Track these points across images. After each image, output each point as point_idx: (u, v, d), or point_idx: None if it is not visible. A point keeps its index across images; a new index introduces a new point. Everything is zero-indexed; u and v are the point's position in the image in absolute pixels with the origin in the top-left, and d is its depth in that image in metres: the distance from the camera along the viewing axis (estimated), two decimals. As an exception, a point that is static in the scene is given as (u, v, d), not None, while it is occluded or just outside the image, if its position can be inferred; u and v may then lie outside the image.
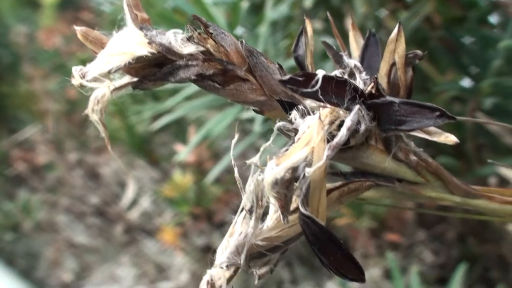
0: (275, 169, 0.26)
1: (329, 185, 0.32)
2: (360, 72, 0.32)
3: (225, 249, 0.32)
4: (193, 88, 0.86)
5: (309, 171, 0.27)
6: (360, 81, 0.32)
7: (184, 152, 0.89)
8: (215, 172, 0.96)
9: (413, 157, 0.34)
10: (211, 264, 0.32)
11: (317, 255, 0.28)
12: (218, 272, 0.32)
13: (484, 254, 0.99)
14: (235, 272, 0.33)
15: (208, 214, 1.21)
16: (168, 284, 1.27)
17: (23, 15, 2.14)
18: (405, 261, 1.03)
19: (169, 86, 0.93)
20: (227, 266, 0.32)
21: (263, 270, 0.33)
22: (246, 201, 0.31)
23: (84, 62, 1.03)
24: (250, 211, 0.32)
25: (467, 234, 0.96)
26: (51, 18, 2.01)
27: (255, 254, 0.32)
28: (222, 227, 1.26)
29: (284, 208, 0.28)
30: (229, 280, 0.33)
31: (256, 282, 0.34)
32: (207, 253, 1.30)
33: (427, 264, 1.01)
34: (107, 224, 1.50)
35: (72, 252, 1.59)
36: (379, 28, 0.88)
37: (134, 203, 1.43)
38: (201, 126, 1.07)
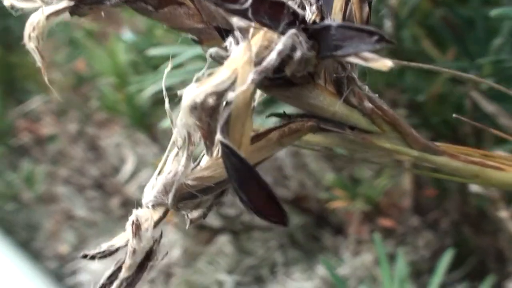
0: (195, 91, 0.24)
1: (269, 126, 0.30)
2: (311, 5, 0.29)
3: (152, 188, 0.30)
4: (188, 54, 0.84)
5: (232, 95, 0.24)
6: (310, 13, 0.29)
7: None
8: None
9: (367, 104, 0.31)
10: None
11: (237, 193, 0.25)
12: (145, 212, 0.30)
13: (480, 245, 0.96)
14: (164, 214, 0.30)
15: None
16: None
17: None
18: (398, 249, 1.00)
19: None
20: (153, 206, 0.29)
21: (195, 214, 0.31)
22: (177, 136, 0.29)
23: (90, 34, 1.01)
24: (181, 148, 0.29)
25: (462, 223, 0.94)
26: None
27: (185, 195, 0.29)
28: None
29: (207, 138, 0.26)
30: (156, 222, 0.30)
31: (187, 226, 0.31)
32: (200, 230, 1.28)
33: (419, 253, 0.99)
34: (105, 197, 1.48)
35: (71, 225, 1.58)
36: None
37: (132, 176, 1.41)
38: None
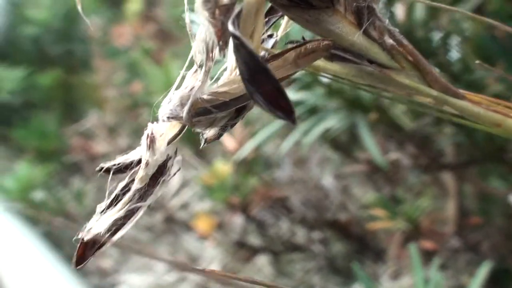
0: (208, -16, 0.25)
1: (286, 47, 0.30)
2: None
3: (169, 101, 0.30)
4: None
5: (244, -10, 0.25)
6: None
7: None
8: (250, 145, 0.95)
9: (388, 39, 0.32)
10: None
11: (246, 87, 0.26)
12: (160, 127, 0.31)
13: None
14: (180, 131, 0.31)
15: (243, 206, 1.19)
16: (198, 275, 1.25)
17: (104, 13, 2.20)
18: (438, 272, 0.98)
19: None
20: (168, 118, 0.30)
21: (209, 132, 0.32)
22: (196, 51, 0.30)
23: (147, 52, 1.04)
24: (200, 65, 0.30)
25: (505, 247, 0.91)
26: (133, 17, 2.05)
27: (200, 110, 0.30)
28: (257, 222, 1.24)
29: (221, 38, 0.26)
30: (171, 139, 0.31)
31: (201, 145, 0.32)
32: (240, 248, 1.28)
33: (459, 277, 0.96)
34: (150, 213, 1.50)
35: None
36: None
37: (177, 193, 1.43)
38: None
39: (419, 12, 0.86)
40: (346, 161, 1.13)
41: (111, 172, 0.31)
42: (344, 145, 1.15)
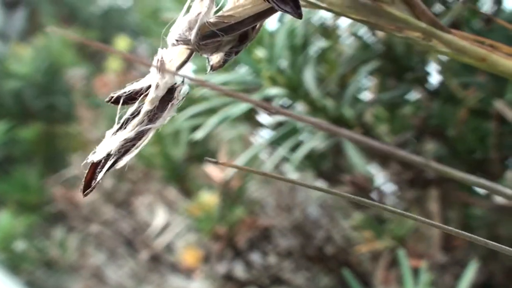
0: None
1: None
2: None
3: (177, 26, 0.32)
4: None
5: None
6: None
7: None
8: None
9: (379, -25, 0.34)
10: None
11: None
12: (170, 52, 0.32)
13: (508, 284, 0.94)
14: (188, 57, 0.33)
15: (230, 237, 1.19)
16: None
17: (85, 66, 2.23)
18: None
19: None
20: (177, 41, 0.32)
21: (215, 58, 0.33)
22: (202, -22, 0.32)
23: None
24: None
25: (491, 259, 0.92)
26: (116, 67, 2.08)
27: (207, 33, 0.32)
28: (244, 254, 1.24)
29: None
30: (181, 65, 0.33)
31: (208, 71, 0.34)
32: (227, 282, 1.27)
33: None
34: (134, 252, 1.49)
35: (99, 282, 1.58)
36: None
37: (162, 232, 1.43)
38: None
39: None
40: (330, 186, 1.14)
41: (121, 101, 0.33)
42: (327, 172, 1.17)
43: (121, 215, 1.56)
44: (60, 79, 2.19)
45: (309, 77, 0.90)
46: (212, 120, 0.83)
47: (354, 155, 0.88)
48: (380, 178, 1.11)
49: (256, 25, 0.33)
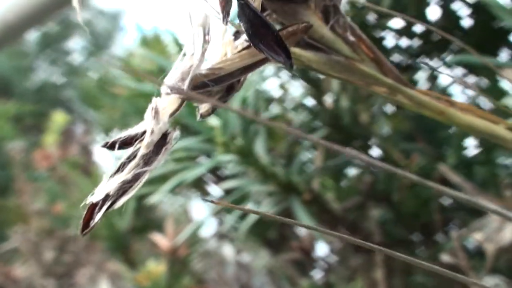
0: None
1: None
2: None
3: (171, 77, 0.35)
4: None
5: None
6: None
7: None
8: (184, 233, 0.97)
9: (350, 36, 0.38)
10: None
11: (251, 39, 0.31)
12: (163, 100, 0.35)
13: None
14: (181, 104, 0.36)
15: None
16: None
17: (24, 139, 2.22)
18: None
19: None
20: (171, 90, 0.35)
21: (205, 107, 0.36)
22: (193, 36, 0.35)
23: (76, 165, 1.08)
24: (196, 47, 0.35)
25: None
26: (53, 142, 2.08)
27: (199, 83, 0.35)
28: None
29: (224, 8, 0.32)
30: (173, 112, 0.35)
31: (198, 118, 0.36)
32: None
33: None
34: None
35: None
36: None
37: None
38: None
39: (345, 102, 0.95)
40: (275, 254, 1.16)
41: (117, 146, 0.35)
42: (274, 241, 1.19)
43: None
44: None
45: (259, 144, 0.94)
46: (167, 185, 0.85)
47: (304, 217, 0.91)
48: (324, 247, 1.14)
49: (241, 79, 0.37)
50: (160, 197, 0.91)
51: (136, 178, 0.34)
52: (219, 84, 0.35)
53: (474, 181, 0.81)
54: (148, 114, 0.35)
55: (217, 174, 1.15)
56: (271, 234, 1.20)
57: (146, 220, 1.40)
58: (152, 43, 1.20)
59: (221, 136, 0.88)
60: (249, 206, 0.98)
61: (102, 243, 1.40)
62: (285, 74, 1.00)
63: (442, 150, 0.88)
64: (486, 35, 0.91)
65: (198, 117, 0.36)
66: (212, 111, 0.36)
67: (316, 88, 0.93)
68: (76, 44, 3.89)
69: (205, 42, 0.35)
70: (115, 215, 1.36)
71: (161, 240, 1.19)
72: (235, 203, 1.01)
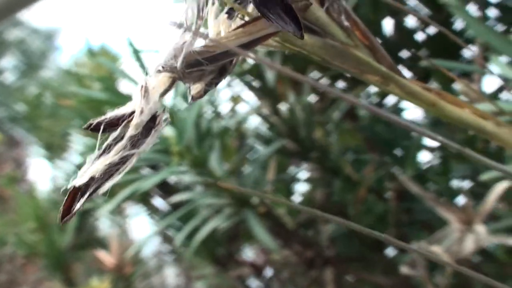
0: None
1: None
2: None
3: (161, 55, 0.33)
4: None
5: None
6: None
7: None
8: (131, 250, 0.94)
9: (345, 21, 0.37)
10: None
11: (259, 10, 0.30)
12: (153, 79, 0.33)
13: None
14: (172, 83, 0.33)
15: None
16: None
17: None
18: None
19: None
20: (163, 68, 0.32)
21: (196, 88, 0.34)
22: (187, 11, 0.33)
23: (13, 180, 1.03)
24: (190, 25, 0.33)
25: None
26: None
27: (192, 61, 0.33)
28: None
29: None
30: (164, 92, 0.33)
31: (189, 100, 0.34)
32: None
33: None
34: None
35: None
36: None
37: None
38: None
39: (300, 114, 0.94)
40: (223, 271, 1.14)
41: (102, 127, 0.33)
42: (222, 257, 1.17)
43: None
44: None
45: (214, 156, 0.92)
46: (122, 194, 0.82)
47: (259, 232, 0.89)
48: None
49: (233, 59, 0.35)
50: (108, 210, 0.88)
51: (123, 161, 0.32)
52: (214, 63, 0.33)
53: (430, 192, 0.81)
54: (137, 93, 0.33)
55: (164, 188, 1.13)
56: (219, 251, 1.17)
57: (87, 237, 1.35)
58: (99, 54, 1.17)
59: (176, 146, 0.85)
60: (198, 220, 0.96)
61: (40, 261, 1.35)
62: (238, 85, 0.99)
63: (398, 162, 0.88)
64: (438, 49, 0.92)
65: (189, 99, 0.34)
66: (204, 92, 0.34)
67: (272, 98, 0.92)
68: (8, 63, 3.80)
69: (199, 18, 0.33)
70: (55, 232, 1.31)
71: (106, 257, 1.15)
72: (184, 217, 0.98)
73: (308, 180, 0.99)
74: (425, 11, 0.90)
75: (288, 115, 0.93)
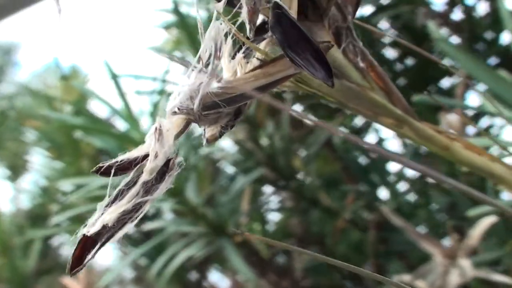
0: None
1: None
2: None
3: (177, 95, 0.31)
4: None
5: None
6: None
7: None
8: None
9: (361, 62, 0.36)
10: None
11: (287, 54, 0.28)
12: (168, 121, 0.31)
13: None
14: (186, 125, 0.32)
15: None
16: None
17: None
18: None
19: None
20: (179, 110, 0.31)
21: (211, 131, 0.33)
22: (204, 49, 0.32)
23: None
24: (207, 63, 0.32)
25: None
26: None
27: (209, 103, 0.31)
28: None
29: (251, 17, 0.29)
30: (179, 134, 0.31)
31: (203, 143, 0.33)
32: None
33: None
34: None
35: None
36: None
37: None
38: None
39: (278, 142, 0.93)
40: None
41: (113, 171, 0.31)
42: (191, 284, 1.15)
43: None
44: None
45: (191, 185, 0.90)
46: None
47: (236, 261, 0.88)
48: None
49: (247, 102, 0.33)
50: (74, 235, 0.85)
51: (136, 208, 0.30)
52: (231, 106, 0.32)
53: (412, 224, 0.81)
54: (151, 136, 0.31)
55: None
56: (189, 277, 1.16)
57: (52, 263, 1.31)
58: (70, 76, 1.15)
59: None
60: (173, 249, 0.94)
61: (3, 287, 1.30)
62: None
63: (377, 192, 0.87)
64: (416, 79, 0.92)
65: (204, 142, 0.33)
66: (220, 135, 0.33)
67: (251, 126, 0.91)
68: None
69: (216, 57, 0.31)
70: (18, 256, 1.27)
71: (72, 284, 1.11)
72: (158, 246, 0.96)
73: (284, 209, 0.97)
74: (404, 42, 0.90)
75: (266, 143, 0.92)
